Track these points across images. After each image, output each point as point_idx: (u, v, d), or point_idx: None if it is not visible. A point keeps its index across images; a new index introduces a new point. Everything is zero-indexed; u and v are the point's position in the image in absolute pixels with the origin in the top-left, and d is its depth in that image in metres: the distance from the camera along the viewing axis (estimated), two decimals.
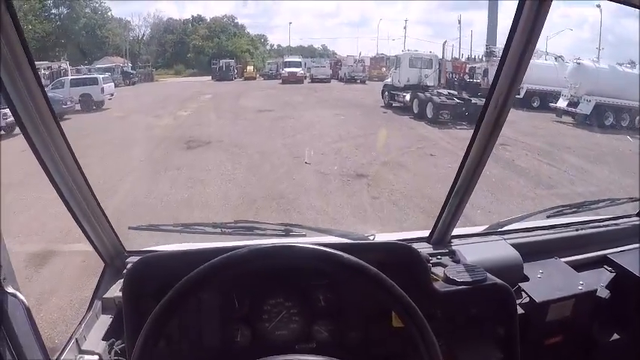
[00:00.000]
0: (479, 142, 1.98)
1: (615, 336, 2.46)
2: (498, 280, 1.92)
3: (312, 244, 1.20)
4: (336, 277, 1.53)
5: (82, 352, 1.75)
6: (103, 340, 1.82)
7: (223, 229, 2.32)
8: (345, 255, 1.14)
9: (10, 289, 1.37)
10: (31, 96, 1.41)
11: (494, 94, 1.82)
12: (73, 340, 1.75)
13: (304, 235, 2.31)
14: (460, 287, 1.87)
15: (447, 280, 1.92)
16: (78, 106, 19.93)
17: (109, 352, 1.78)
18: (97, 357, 1.74)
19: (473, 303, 1.89)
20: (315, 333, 1.80)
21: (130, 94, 25.76)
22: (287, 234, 2.29)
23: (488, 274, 1.95)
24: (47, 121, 1.51)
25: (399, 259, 1.81)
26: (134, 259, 2.10)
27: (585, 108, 19.92)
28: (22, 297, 1.41)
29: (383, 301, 1.20)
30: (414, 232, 2.60)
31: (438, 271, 2.00)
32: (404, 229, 8.04)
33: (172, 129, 16.54)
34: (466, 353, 1.82)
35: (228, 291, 1.74)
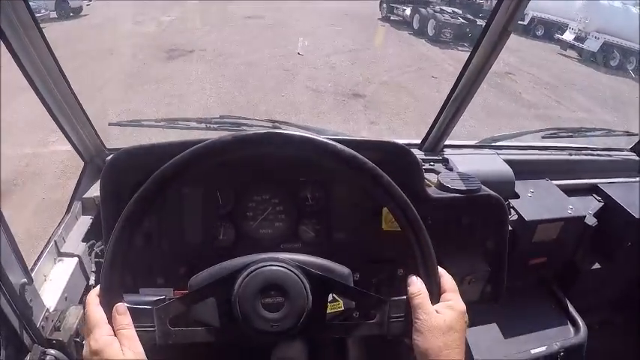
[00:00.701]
0: (484, 47, 1.92)
1: (596, 265, 2.56)
2: (492, 192, 1.86)
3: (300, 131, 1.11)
4: (327, 169, 1.20)
5: (61, 254, 1.78)
6: (82, 241, 1.86)
7: (208, 124, 2.29)
8: (340, 145, 1.05)
9: None
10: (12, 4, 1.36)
11: (505, 2, 1.76)
12: (52, 243, 1.77)
13: None
14: (453, 195, 1.82)
15: (440, 187, 1.86)
16: (54, 14, 18.97)
17: (89, 254, 1.84)
18: (76, 259, 1.78)
19: (464, 212, 1.86)
20: (301, 232, 1.76)
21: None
22: (274, 129, 1.75)
23: (482, 185, 1.88)
24: (26, 22, 1.46)
25: (393, 158, 1.64)
26: None
27: (593, 45, 19.35)
28: None
29: (378, 199, 1.10)
30: (406, 139, 2.56)
31: (431, 177, 1.98)
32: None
33: (153, 36, 15.52)
34: (453, 263, 1.64)
35: (211, 187, 1.68)
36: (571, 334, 2.38)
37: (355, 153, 1.06)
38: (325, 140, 1.06)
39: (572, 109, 11.63)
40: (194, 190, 1.67)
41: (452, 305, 1.12)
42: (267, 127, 2.23)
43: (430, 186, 1.87)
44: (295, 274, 1.07)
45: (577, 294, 2.54)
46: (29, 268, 1.50)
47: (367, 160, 1.07)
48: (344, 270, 1.16)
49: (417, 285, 1.12)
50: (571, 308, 2.46)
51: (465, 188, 1.83)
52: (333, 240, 1.77)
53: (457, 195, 1.81)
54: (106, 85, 10.16)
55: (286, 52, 13.61)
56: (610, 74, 17.56)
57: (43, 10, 17.41)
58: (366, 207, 1.72)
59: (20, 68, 1.55)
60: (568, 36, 20.35)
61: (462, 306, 1.14)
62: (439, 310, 1.10)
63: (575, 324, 2.40)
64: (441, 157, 2.33)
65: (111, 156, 1.72)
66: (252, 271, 1.07)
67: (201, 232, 1.70)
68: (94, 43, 14.24)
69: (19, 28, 1.44)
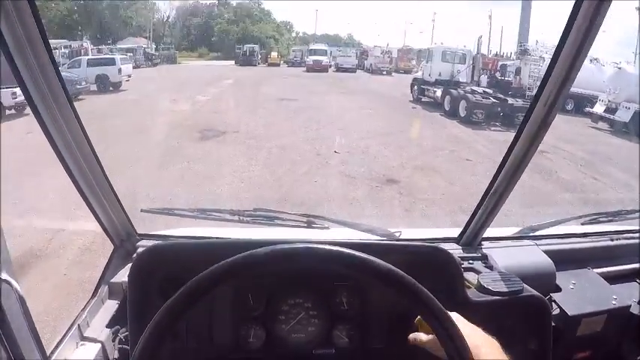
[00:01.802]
0: (523, 140, 1.86)
1: None
2: (535, 292, 1.81)
3: (338, 242, 1.22)
4: (366, 283, 1.37)
5: (84, 338, 1.71)
6: (107, 327, 1.79)
7: (241, 217, 2.23)
8: (378, 261, 1.03)
9: (4, 276, 1.19)
10: (44, 74, 1.35)
11: (545, 92, 1.69)
12: (75, 327, 1.70)
13: (327, 228, 2.25)
14: (495, 297, 1.75)
15: (481, 289, 1.79)
16: (94, 87, 19.87)
17: (113, 340, 1.76)
18: (99, 345, 1.71)
19: (506, 314, 1.76)
20: (334, 338, 1.68)
21: (149, 76, 25.67)
22: (309, 226, 2.23)
23: (525, 285, 1.82)
24: (59, 99, 1.44)
25: (431, 262, 1.69)
26: (145, 242, 2.08)
27: (624, 115, 19.29)
28: (16, 285, 1.25)
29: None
30: (442, 229, 2.60)
31: (471, 277, 1.92)
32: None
33: (188, 115, 15.90)
34: None
35: (243, 287, 1.64)
36: None
37: (392, 268, 1.04)
38: (363, 257, 1.03)
39: (610, 184, 11.32)
40: (225, 290, 1.63)
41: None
42: (302, 223, 2.24)
43: (470, 287, 1.83)
44: None
45: None
46: (50, 350, 1.52)
47: (405, 275, 1.04)
48: None
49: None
50: None
51: (506, 290, 1.78)
52: (368, 347, 1.71)
53: (498, 297, 1.77)
54: (138, 162, 10.25)
55: (318, 136, 13.66)
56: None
57: (83, 83, 18.15)
58: (402, 313, 1.59)
59: (50, 142, 1.52)
60: (598, 108, 20.47)
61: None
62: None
63: None
64: (480, 254, 2.22)
65: (146, 248, 1.69)
66: None
67: (230, 334, 1.66)
68: (129, 118, 14.68)
69: (50, 100, 1.41)
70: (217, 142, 12.62)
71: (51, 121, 1.46)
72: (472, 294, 1.77)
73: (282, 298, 1.68)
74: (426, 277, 1.23)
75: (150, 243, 2.00)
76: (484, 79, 26.57)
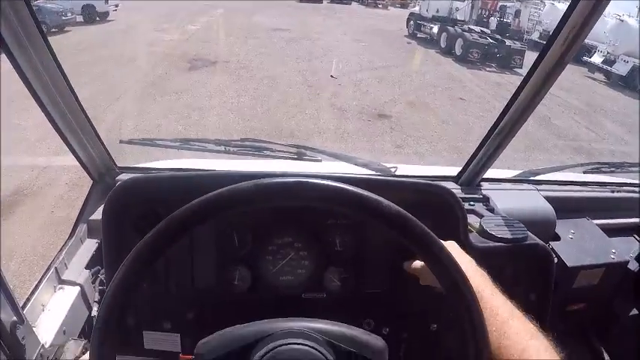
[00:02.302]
0: (536, 79, 1.72)
1: (634, 311, 2.37)
2: (539, 241, 1.72)
3: (334, 176, 1.14)
4: (362, 221, 1.26)
5: (62, 281, 1.66)
6: (85, 268, 1.73)
7: (227, 147, 2.14)
8: (385, 202, 0.90)
9: None
10: (12, 8, 1.23)
11: (566, 28, 1.53)
12: (52, 269, 1.65)
13: (319, 161, 2.16)
14: (497, 244, 1.66)
15: (483, 233, 1.70)
16: (80, 18, 19.33)
17: (93, 282, 1.71)
18: (78, 288, 1.66)
19: (508, 262, 1.68)
20: (326, 281, 1.56)
21: (138, 5, 25.07)
22: (300, 157, 2.15)
23: (530, 233, 1.73)
24: (30, 31, 1.32)
25: (433, 200, 1.55)
26: (126, 176, 1.96)
27: (622, 68, 19.33)
28: None
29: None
30: (438, 167, 2.48)
31: (472, 220, 1.81)
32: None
33: (177, 45, 15.59)
34: None
35: (227, 226, 1.49)
36: None
37: (401, 210, 0.93)
38: (366, 195, 0.92)
39: (602, 135, 11.38)
40: (207, 228, 1.51)
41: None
42: (293, 155, 2.17)
43: (472, 231, 1.73)
44: (323, 355, 0.91)
45: (614, 341, 2.40)
46: (26, 297, 1.50)
47: (414, 220, 0.93)
48: (378, 344, 0.99)
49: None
50: (607, 357, 2.33)
51: (510, 237, 1.70)
52: (362, 291, 1.61)
53: (502, 244, 1.69)
54: (125, 93, 10.09)
55: (310, 67, 13.49)
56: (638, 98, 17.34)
57: (69, 14, 17.60)
58: (403, 257, 1.48)
59: (21, 78, 1.42)
60: (596, 59, 20.47)
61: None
62: None
63: None
64: (481, 196, 2.15)
65: (119, 183, 1.56)
66: (270, 351, 0.92)
67: (213, 275, 1.55)
68: (116, 49, 14.39)
69: (20, 34, 1.31)
70: (207, 72, 12.44)
71: (19, 53, 1.36)
72: (474, 238, 1.68)
73: (270, 237, 1.56)
74: (427, 217, 1.10)
75: (130, 177, 1.82)
76: (494, 21, 26.44)
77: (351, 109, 10.25)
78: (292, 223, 1.55)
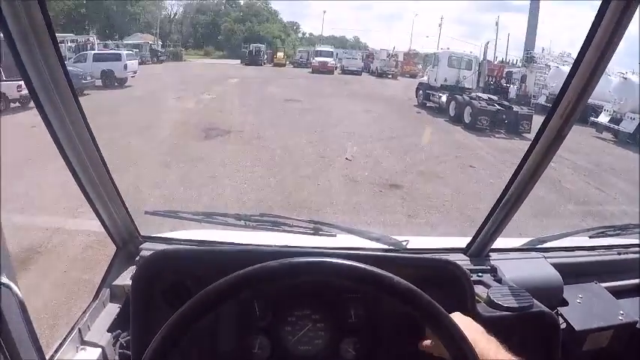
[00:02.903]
0: (538, 151, 1.82)
1: None
2: (545, 308, 1.81)
3: (349, 254, 1.34)
4: (375, 296, 1.34)
5: (84, 342, 1.68)
6: (108, 331, 1.76)
7: (247, 222, 2.20)
8: (397, 279, 1.05)
9: (4, 280, 1.17)
10: (49, 67, 1.32)
11: (562, 102, 1.65)
12: (76, 330, 1.67)
13: (334, 236, 2.22)
14: (504, 313, 1.75)
15: (491, 304, 1.79)
16: (99, 82, 19.92)
17: (114, 345, 1.73)
18: (99, 349, 1.68)
19: (515, 330, 1.70)
20: (342, 351, 1.63)
21: (155, 73, 25.69)
22: (316, 232, 2.20)
23: (535, 300, 1.82)
24: (64, 94, 1.41)
25: (442, 275, 1.65)
26: (149, 245, 2.06)
27: (629, 126, 19.43)
28: (16, 289, 1.22)
29: (434, 334, 1.12)
30: (448, 238, 2.59)
31: (480, 290, 1.87)
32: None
33: (192, 113, 15.93)
34: None
35: (249, 297, 1.56)
36: None
37: (411, 286, 1.06)
38: (381, 273, 1.05)
39: (613, 196, 11.32)
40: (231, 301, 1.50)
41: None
42: (309, 230, 2.22)
43: (479, 302, 1.80)
44: None
45: None
46: (50, 355, 1.51)
47: (423, 294, 1.06)
48: None
49: None
50: None
51: (516, 305, 1.77)
52: (378, 359, 1.67)
53: (508, 313, 1.76)
54: (141, 160, 10.24)
55: (322, 138, 13.66)
56: None
57: (89, 78, 18.20)
58: (413, 327, 1.53)
59: (53, 138, 1.50)
60: (603, 118, 20.52)
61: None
62: None
63: None
64: (488, 267, 2.18)
65: (152, 253, 1.65)
66: None
67: (234, 344, 1.61)
68: (133, 115, 14.67)
69: (54, 94, 1.38)
70: (221, 141, 12.63)
71: (54, 116, 1.44)
72: (482, 308, 1.75)
73: (290, 309, 1.63)
74: (437, 291, 1.23)
75: (153, 246, 1.99)
76: (513, 90, 26.75)
77: (362, 180, 10.31)
78: (311, 296, 1.62)
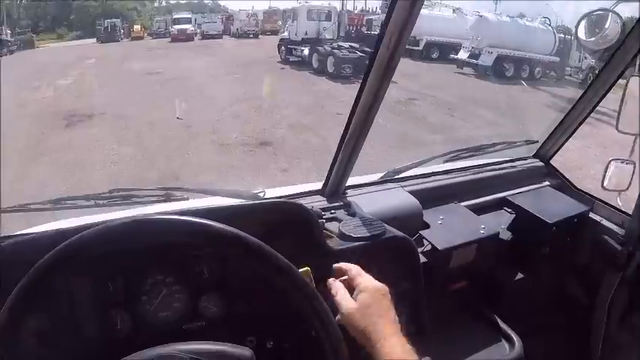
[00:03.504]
0: (370, 86, 1.81)
1: (519, 275, 2.57)
2: (398, 232, 1.86)
3: (181, 211, 1.36)
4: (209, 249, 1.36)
5: None
6: None
7: (96, 201, 2.08)
8: (214, 224, 1.04)
9: None
10: None
11: (386, 35, 1.65)
12: None
13: (186, 199, 2.13)
14: (357, 243, 1.77)
15: (342, 237, 1.81)
16: None
17: None
18: None
19: (372, 259, 1.69)
20: (202, 309, 1.62)
21: (7, 65, 23.91)
22: (168, 199, 2.10)
23: (387, 226, 1.86)
24: None
25: (289, 217, 1.68)
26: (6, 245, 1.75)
27: (487, 60, 20.94)
28: None
29: (266, 277, 1.12)
30: (305, 184, 2.47)
31: (333, 226, 1.89)
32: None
33: (50, 102, 15.00)
34: None
35: (100, 274, 1.51)
36: (506, 350, 2.32)
37: (227, 228, 1.09)
38: (195, 221, 1.07)
39: (477, 124, 12.13)
40: (82, 281, 1.51)
41: (362, 287, 1.31)
42: (160, 198, 2.12)
43: (332, 237, 1.82)
44: None
45: (505, 308, 2.49)
46: None
47: (246, 235, 1.10)
48: (245, 353, 1.13)
49: (333, 286, 1.35)
50: (502, 324, 2.40)
51: (368, 234, 1.80)
52: (239, 311, 1.65)
53: (361, 243, 1.77)
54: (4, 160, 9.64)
55: (187, 107, 13.41)
56: (507, 84, 18.95)
57: None
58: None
59: None
60: (462, 54, 21.98)
61: (372, 284, 1.33)
62: (354, 297, 1.29)
63: (509, 339, 2.34)
64: (342, 203, 2.17)
65: None
66: None
67: (97, 325, 1.53)
68: None
69: None
70: (84, 126, 12.15)
71: None
72: (334, 243, 1.76)
73: (142, 278, 1.58)
74: (286, 234, 1.34)
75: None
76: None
77: (232, 143, 10.41)
78: (160, 261, 1.58)
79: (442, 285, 2.26)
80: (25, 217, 2.25)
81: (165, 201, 2.09)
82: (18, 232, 2.02)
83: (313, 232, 1.70)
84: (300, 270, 1.25)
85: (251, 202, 1.95)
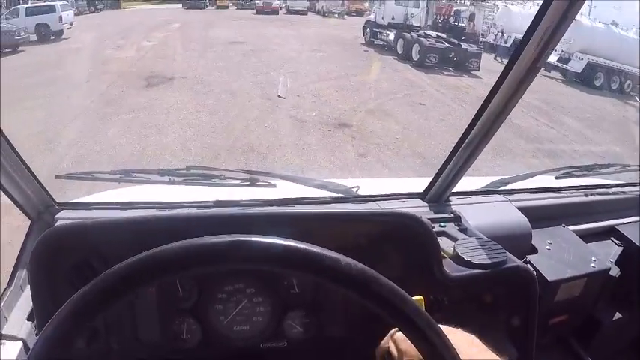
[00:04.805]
0: (507, 87, 1.59)
1: (617, 315, 2.31)
2: (520, 263, 1.62)
3: (289, 214, 1.31)
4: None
5: (2, 336, 1.43)
6: (28, 319, 1.49)
7: (172, 178, 1.96)
8: (343, 259, 0.78)
9: None
10: None
11: (539, 30, 1.40)
12: None
13: (274, 186, 2.01)
14: (476, 271, 1.53)
15: (459, 260, 1.57)
16: (35, 37, 18.84)
17: (37, 334, 1.40)
18: (20, 343, 1.43)
19: (488, 288, 1.58)
20: (286, 328, 1.45)
21: (93, 23, 24.87)
22: (252, 184, 1.99)
23: (508, 253, 1.62)
24: None
25: (401, 231, 1.45)
26: (66, 214, 1.79)
27: (577, 66, 20.11)
28: None
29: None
30: (403, 179, 2.52)
31: (444, 244, 1.68)
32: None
33: (133, 62, 15.31)
34: None
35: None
36: None
37: (365, 269, 0.80)
38: (321, 253, 0.80)
39: (562, 132, 11.60)
40: None
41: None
42: (245, 181, 2.00)
43: (445, 257, 1.60)
44: None
45: (598, 347, 2.31)
46: None
47: (379, 276, 0.81)
48: None
49: None
50: None
51: (489, 262, 1.57)
52: (327, 335, 1.50)
53: (480, 270, 1.56)
54: (82, 114, 9.81)
55: (268, 80, 13.40)
56: (595, 94, 18.09)
57: (22, 33, 17.24)
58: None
59: None
60: (552, 57, 20.91)
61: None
62: None
63: None
64: (451, 215, 1.99)
65: (44, 233, 1.38)
66: None
67: (159, 331, 1.41)
68: (71, 68, 14.05)
69: None
70: (164, 88, 12.22)
71: None
72: (448, 266, 1.57)
73: (219, 284, 1.45)
74: (397, 252, 1.21)
75: (71, 214, 1.76)
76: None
77: (311, 120, 10.20)
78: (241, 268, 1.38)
79: (542, 318, 1.96)
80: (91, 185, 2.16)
81: (250, 186, 1.99)
82: (79, 200, 2.03)
83: (428, 251, 1.50)
84: (414, 298, 0.92)
85: (358, 211, 1.85)
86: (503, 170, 7.48)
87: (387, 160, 8.45)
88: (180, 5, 34.37)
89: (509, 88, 1.62)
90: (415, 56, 18.82)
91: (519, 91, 1.62)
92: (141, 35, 20.57)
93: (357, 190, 2.06)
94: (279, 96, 11.25)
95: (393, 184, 2.35)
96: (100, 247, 1.14)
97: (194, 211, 1.74)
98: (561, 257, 2.05)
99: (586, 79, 19.76)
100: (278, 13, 32.55)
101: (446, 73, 17.70)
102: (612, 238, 2.39)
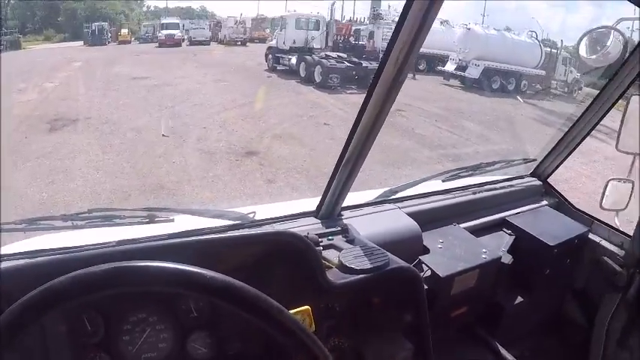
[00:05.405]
0: (374, 103, 1.71)
1: (519, 299, 2.55)
2: (403, 263, 1.73)
3: (167, 244, 1.32)
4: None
5: None
6: None
7: (74, 222, 1.92)
8: (208, 273, 0.94)
9: None
10: None
11: (394, 50, 1.54)
12: None
13: (172, 221, 1.97)
14: (359, 276, 1.64)
15: (342, 268, 1.67)
16: None
17: None
18: None
19: (375, 291, 1.72)
20: (190, 350, 1.51)
21: None
22: (152, 221, 1.95)
23: (391, 256, 1.73)
24: None
25: (284, 248, 1.56)
26: None
27: (474, 72, 21.43)
28: None
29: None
30: (300, 201, 2.45)
31: (331, 255, 1.77)
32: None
33: (35, 106, 14.69)
34: (372, 349, 1.66)
35: (75, 312, 1.39)
36: None
37: (224, 278, 0.98)
38: (187, 270, 0.97)
39: (465, 136, 12.24)
40: (56, 319, 1.39)
41: None
42: (144, 219, 1.98)
43: (331, 267, 1.69)
44: None
45: (504, 332, 2.51)
46: None
47: (240, 285, 1.00)
48: None
49: None
50: (501, 349, 2.42)
51: (371, 266, 1.66)
52: (231, 352, 1.56)
53: (363, 275, 1.64)
54: None
55: (173, 114, 13.36)
56: (493, 97, 19.30)
57: None
58: None
59: None
60: (449, 66, 22.51)
61: None
62: None
63: None
64: (339, 228, 2.04)
65: None
66: None
67: None
68: None
69: None
70: (69, 131, 11.90)
71: None
72: (334, 275, 1.64)
73: (123, 317, 1.47)
74: (282, 268, 1.29)
75: None
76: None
77: (218, 151, 10.29)
78: (142, 299, 1.48)
79: (443, 312, 2.18)
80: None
81: (148, 222, 1.97)
82: None
83: (311, 264, 1.58)
84: (300, 309, 1.19)
85: (242, 234, 1.88)
86: (409, 179, 7.70)
87: (297, 183, 8.69)
88: (81, 43, 33.65)
89: (376, 106, 1.71)
90: (318, 78, 19.30)
91: (385, 108, 1.72)
92: (43, 76, 19.73)
93: (253, 216, 2.09)
94: (163, 135, 11.25)
95: (290, 206, 2.36)
96: (9, 295, 1.07)
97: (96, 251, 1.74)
98: (453, 253, 2.19)
99: (484, 83, 20.89)
100: (181, 45, 32.28)
101: (349, 91, 18.24)
102: (504, 229, 2.63)
